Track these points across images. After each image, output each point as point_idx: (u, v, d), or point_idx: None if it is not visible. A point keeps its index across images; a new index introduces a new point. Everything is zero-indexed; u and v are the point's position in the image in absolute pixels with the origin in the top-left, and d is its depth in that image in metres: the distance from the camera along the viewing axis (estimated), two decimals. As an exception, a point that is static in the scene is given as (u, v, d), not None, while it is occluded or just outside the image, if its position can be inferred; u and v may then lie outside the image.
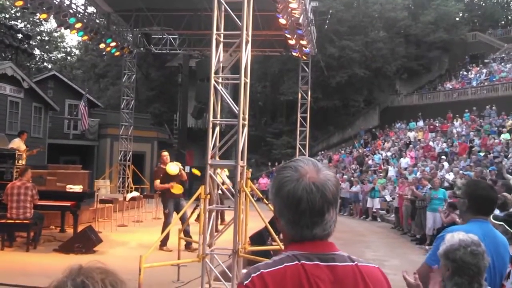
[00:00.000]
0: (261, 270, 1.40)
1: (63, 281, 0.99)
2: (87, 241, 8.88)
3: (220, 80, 7.24)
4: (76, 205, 9.98)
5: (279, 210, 1.46)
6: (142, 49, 19.87)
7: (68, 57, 50.60)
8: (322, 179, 1.42)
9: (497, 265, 2.98)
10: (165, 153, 10.56)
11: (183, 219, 8.79)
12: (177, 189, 9.84)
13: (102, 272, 1.01)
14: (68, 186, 10.94)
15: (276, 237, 7.36)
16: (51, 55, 48.22)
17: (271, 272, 1.39)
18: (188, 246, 9.30)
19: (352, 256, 1.46)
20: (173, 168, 9.88)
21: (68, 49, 50.69)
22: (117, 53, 18.74)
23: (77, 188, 10.93)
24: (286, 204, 1.43)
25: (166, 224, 9.42)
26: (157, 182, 10.06)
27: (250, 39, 7.23)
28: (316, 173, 1.43)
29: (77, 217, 9.98)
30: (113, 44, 17.65)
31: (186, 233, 8.96)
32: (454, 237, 2.55)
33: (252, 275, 1.39)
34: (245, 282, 1.39)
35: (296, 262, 1.39)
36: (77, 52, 50.20)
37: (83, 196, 10.48)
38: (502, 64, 36.80)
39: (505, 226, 4.53)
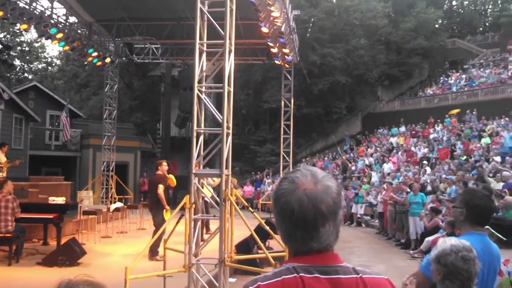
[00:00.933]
0: (259, 283, 1.38)
1: None
2: (71, 254, 8.77)
3: (203, 89, 7.25)
4: (59, 217, 9.85)
5: (277, 222, 1.46)
6: (124, 58, 19.77)
7: (49, 68, 50.20)
8: (318, 191, 1.39)
9: (489, 276, 3.00)
10: (165, 163, 10.58)
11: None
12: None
13: (89, 284, 1.02)
14: (50, 198, 10.81)
15: (262, 245, 7.36)
16: (31, 65, 47.79)
17: (268, 284, 1.37)
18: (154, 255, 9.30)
19: (357, 268, 1.43)
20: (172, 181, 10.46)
21: (49, 59, 50.35)
22: (99, 63, 18.63)
23: (60, 200, 10.81)
24: (281, 216, 1.42)
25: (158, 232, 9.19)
26: (162, 189, 9.98)
27: (233, 48, 7.26)
28: (314, 184, 1.41)
29: (60, 229, 9.85)
30: (95, 54, 17.55)
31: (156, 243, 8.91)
32: (446, 242, 2.58)
33: (250, 287, 1.38)
34: None
35: (295, 274, 1.37)
36: (58, 62, 49.85)
37: (66, 208, 10.35)
38: (481, 69, 37.48)
39: (491, 229, 4.59)
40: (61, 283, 1.02)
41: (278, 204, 1.42)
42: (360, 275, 1.40)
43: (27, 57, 46.18)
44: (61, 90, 41.28)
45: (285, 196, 1.41)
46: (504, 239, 7.93)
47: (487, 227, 4.41)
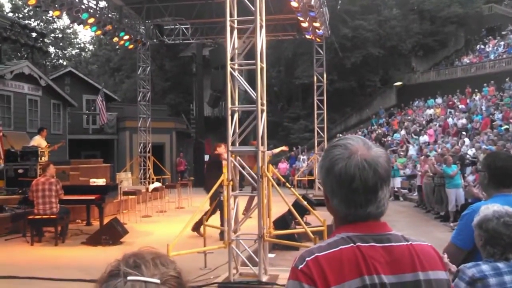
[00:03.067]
0: (316, 254, 1.37)
1: (116, 263, 1.05)
2: (113, 233, 9.00)
3: (236, 67, 7.22)
4: (100, 198, 10.10)
5: (331, 190, 1.45)
6: (155, 40, 19.89)
7: (83, 53, 51.02)
8: (374, 156, 1.41)
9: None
10: (223, 145, 9.88)
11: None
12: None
13: (152, 253, 1.08)
14: (91, 180, 11.07)
15: (300, 220, 7.38)
16: (65, 51, 48.67)
17: (326, 255, 1.36)
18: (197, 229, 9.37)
19: (405, 236, 1.44)
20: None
21: (82, 45, 51.16)
22: (131, 46, 18.79)
23: (101, 182, 11.06)
24: (338, 182, 1.41)
25: (222, 209, 8.90)
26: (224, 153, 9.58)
27: (264, 23, 7.19)
28: (367, 150, 1.42)
29: (102, 210, 10.12)
30: (126, 37, 17.70)
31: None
32: (488, 208, 2.56)
33: (307, 258, 1.36)
34: (300, 267, 1.36)
35: (352, 244, 1.37)
36: (91, 47, 50.60)
37: (107, 189, 10.60)
38: (520, 35, 36.08)
39: None
40: (125, 254, 1.08)
41: (333, 171, 1.41)
42: (410, 242, 1.42)
43: (61, 44, 47.02)
44: (95, 75, 41.96)
45: (341, 162, 1.41)
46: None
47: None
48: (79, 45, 50.71)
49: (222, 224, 8.63)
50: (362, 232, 1.39)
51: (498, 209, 2.53)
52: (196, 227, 9.63)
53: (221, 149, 10.15)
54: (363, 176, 1.38)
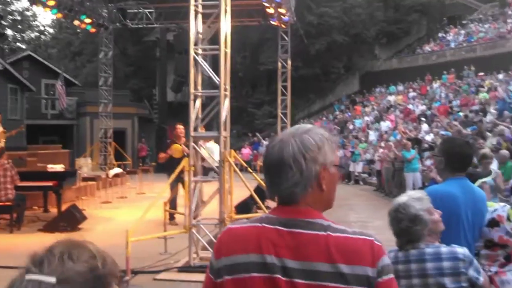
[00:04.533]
0: (230, 226, 1.47)
1: (30, 256, 0.99)
2: (71, 220, 8.85)
3: (199, 52, 7.14)
4: (58, 184, 9.88)
5: None
6: (118, 24, 19.45)
7: (42, 36, 49.54)
8: (286, 138, 1.41)
9: (475, 218, 3.06)
10: (180, 126, 9.97)
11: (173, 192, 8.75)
12: (176, 151, 9.38)
13: (67, 245, 0.99)
14: (49, 166, 10.82)
15: (261, 204, 7.41)
16: (24, 34, 47.11)
17: (235, 228, 1.46)
18: (171, 219, 9.25)
19: (335, 226, 1.39)
20: (178, 152, 9.47)
21: (42, 28, 49.59)
22: (93, 30, 18.39)
23: (59, 168, 10.82)
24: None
25: (172, 197, 9.03)
26: (161, 155, 9.76)
27: (229, 8, 7.11)
28: (291, 136, 1.42)
29: (60, 196, 9.90)
30: (88, 20, 17.28)
31: (173, 206, 8.96)
32: (400, 197, 2.70)
33: (223, 229, 1.46)
34: (218, 236, 1.50)
35: (258, 224, 1.41)
36: (51, 30, 49.14)
37: (65, 175, 10.39)
38: (480, 24, 36.96)
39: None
40: (44, 248, 1.00)
41: None
42: (328, 232, 1.36)
43: (19, 26, 45.50)
44: (55, 59, 40.79)
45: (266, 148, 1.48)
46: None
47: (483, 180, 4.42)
48: (39, 28, 49.22)
49: (172, 207, 8.58)
50: (276, 214, 1.42)
51: (402, 199, 2.65)
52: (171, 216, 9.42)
53: (177, 132, 10.03)
54: (268, 156, 1.42)
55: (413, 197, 2.62)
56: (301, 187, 1.38)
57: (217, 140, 7.11)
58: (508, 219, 3.49)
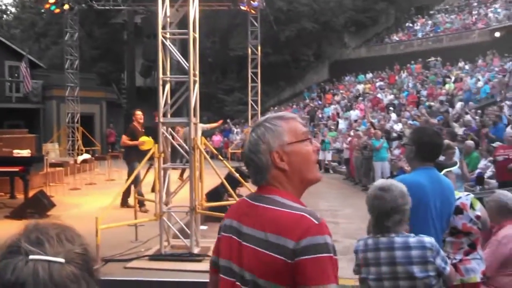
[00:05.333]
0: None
1: (17, 238, 0.96)
2: (39, 206, 8.67)
3: (168, 36, 7.04)
4: (25, 169, 9.64)
5: None
6: (83, 5, 18.98)
7: (4, 16, 47.84)
8: (251, 131, 1.69)
9: (443, 207, 3.14)
10: (139, 112, 10.20)
11: (137, 179, 8.67)
12: (148, 144, 9.43)
13: (57, 227, 1.00)
14: (15, 151, 10.54)
15: (232, 192, 7.42)
16: (-16, 14, 45.49)
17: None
18: (141, 207, 9.20)
19: (281, 201, 1.57)
20: (148, 143, 9.45)
21: (3, 7, 47.89)
22: (57, 10, 17.87)
23: (25, 153, 10.55)
24: None
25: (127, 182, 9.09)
26: (125, 138, 9.92)
27: (198, -8, 7.03)
28: (254, 125, 1.70)
29: (27, 182, 9.66)
30: (52, 0, 16.78)
31: (140, 194, 8.89)
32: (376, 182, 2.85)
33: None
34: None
35: (245, 197, 1.73)
36: (13, 10, 47.52)
37: (31, 161, 10.15)
38: (447, 15, 37.64)
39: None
40: (27, 226, 0.99)
41: None
42: (272, 206, 1.57)
43: (-20, 5, 43.91)
44: (18, 40, 39.45)
45: None
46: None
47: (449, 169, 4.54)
48: (0, 7, 47.52)
49: (125, 192, 8.64)
50: (255, 191, 1.69)
51: (378, 183, 2.77)
52: (124, 201, 9.53)
53: (136, 117, 10.18)
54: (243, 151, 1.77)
55: (394, 181, 2.80)
56: (260, 175, 1.64)
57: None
58: (472, 207, 3.61)
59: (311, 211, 1.52)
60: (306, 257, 1.44)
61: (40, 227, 0.99)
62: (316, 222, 1.48)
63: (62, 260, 0.94)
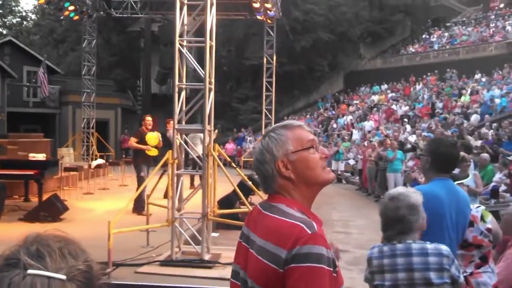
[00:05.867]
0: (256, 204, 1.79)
1: (16, 249, 0.90)
2: (53, 210, 8.76)
3: (184, 44, 7.10)
4: (40, 173, 9.76)
5: None
6: (102, 13, 19.21)
7: (24, 22, 48.63)
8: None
9: (458, 219, 3.11)
10: (149, 118, 10.49)
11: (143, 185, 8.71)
12: (153, 151, 9.94)
13: (60, 240, 0.93)
14: (31, 155, 10.66)
15: (244, 200, 7.42)
16: (5, 20, 46.23)
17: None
18: (142, 210, 9.24)
19: (282, 209, 1.59)
20: (153, 139, 10.07)
21: (24, 14, 48.69)
22: (76, 17, 18.11)
23: (40, 157, 10.67)
24: None
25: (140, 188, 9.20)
26: (133, 140, 10.18)
27: (214, 1, 7.10)
28: (262, 135, 1.77)
29: (41, 186, 9.79)
30: (72, 8, 17.02)
31: (142, 198, 8.94)
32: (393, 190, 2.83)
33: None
34: None
35: (257, 205, 1.75)
36: (33, 16, 48.28)
37: (46, 165, 10.26)
38: (463, 27, 37.43)
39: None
40: (28, 237, 0.92)
41: None
42: (274, 215, 1.59)
43: (1, 11, 44.64)
44: (37, 46, 40.04)
45: None
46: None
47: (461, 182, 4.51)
48: (21, 14, 48.31)
49: (138, 197, 8.65)
50: (265, 199, 1.73)
51: (391, 191, 2.77)
52: (136, 208, 9.57)
53: (145, 123, 10.46)
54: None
55: (411, 190, 2.74)
56: (267, 184, 1.67)
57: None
58: (482, 219, 3.57)
59: (307, 221, 1.51)
60: (294, 265, 1.42)
61: (41, 239, 0.92)
62: (309, 232, 1.46)
63: (63, 277, 0.87)
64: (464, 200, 3.20)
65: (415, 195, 2.68)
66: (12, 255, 0.89)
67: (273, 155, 1.63)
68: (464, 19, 40.10)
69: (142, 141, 10.07)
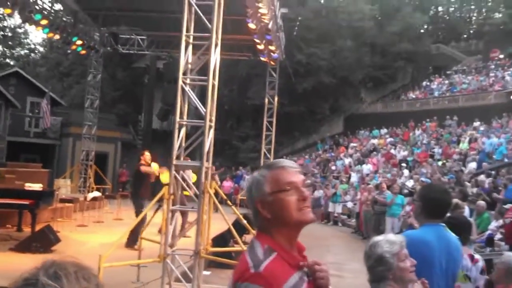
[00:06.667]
0: None
1: (35, 272, 0.99)
2: (45, 241, 8.69)
3: (187, 81, 7.24)
4: (34, 203, 9.74)
5: None
6: (109, 48, 19.58)
7: (32, 54, 49.41)
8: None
9: (449, 266, 3.10)
10: (147, 153, 10.53)
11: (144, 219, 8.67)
12: (165, 176, 9.70)
13: (75, 265, 1.02)
14: (27, 184, 10.66)
15: (238, 238, 7.38)
16: (14, 51, 47.00)
17: None
18: (133, 245, 9.17)
19: (255, 245, 1.67)
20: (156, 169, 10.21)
21: (32, 46, 49.54)
22: (83, 52, 18.45)
23: (37, 187, 10.68)
24: None
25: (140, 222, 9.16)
26: (143, 167, 10.15)
27: (219, 42, 7.26)
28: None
29: (35, 216, 9.75)
30: (79, 42, 17.36)
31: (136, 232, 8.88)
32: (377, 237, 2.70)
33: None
34: None
35: None
36: (41, 49, 49.09)
37: (42, 195, 10.25)
38: (463, 76, 37.97)
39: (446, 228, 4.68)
40: (46, 261, 1.01)
41: None
42: (246, 248, 1.73)
43: (10, 43, 45.43)
44: (43, 78, 40.55)
45: None
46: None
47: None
48: (29, 46, 49.15)
49: (134, 231, 8.45)
50: None
51: (377, 238, 2.65)
52: (129, 243, 9.48)
53: (145, 157, 10.38)
54: None
55: (387, 239, 2.60)
56: (254, 220, 1.75)
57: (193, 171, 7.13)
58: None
59: (257, 260, 1.58)
60: None
61: (58, 263, 1.01)
62: (252, 271, 1.55)
63: None
64: (456, 246, 3.18)
65: (386, 245, 2.55)
66: (31, 276, 0.98)
67: (252, 195, 1.72)
68: (465, 67, 40.72)
69: (143, 176, 10.08)
